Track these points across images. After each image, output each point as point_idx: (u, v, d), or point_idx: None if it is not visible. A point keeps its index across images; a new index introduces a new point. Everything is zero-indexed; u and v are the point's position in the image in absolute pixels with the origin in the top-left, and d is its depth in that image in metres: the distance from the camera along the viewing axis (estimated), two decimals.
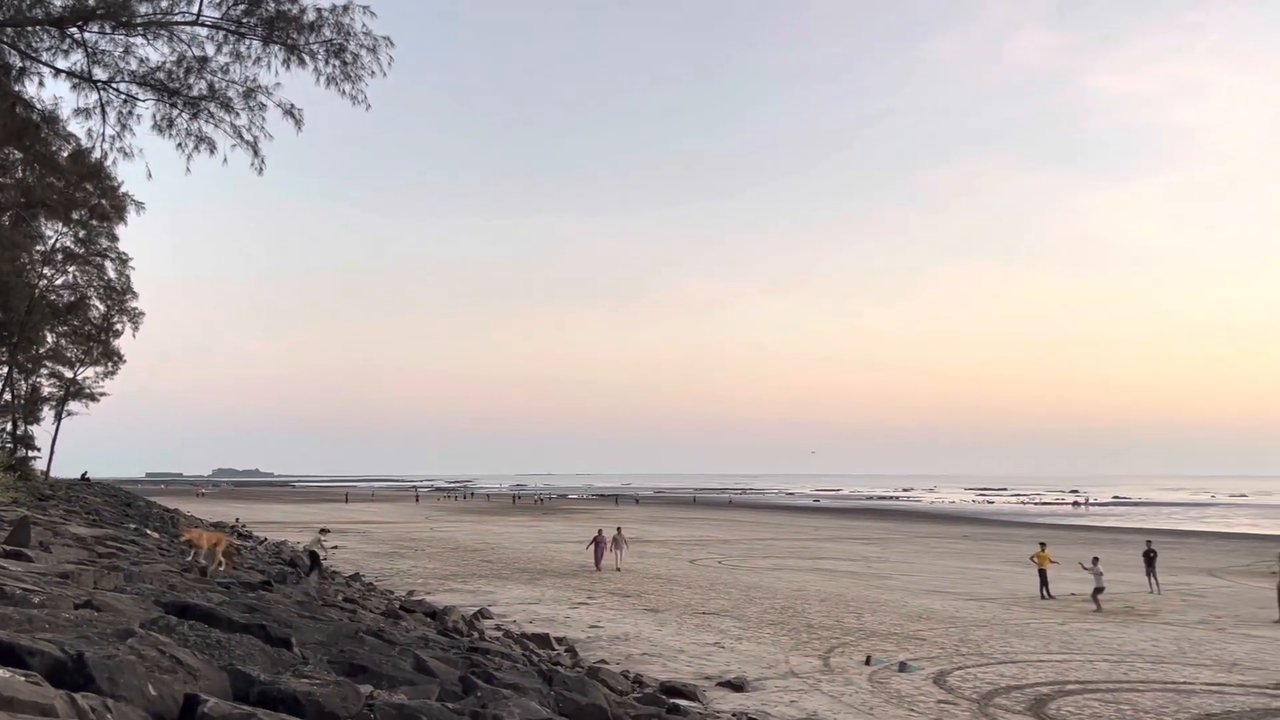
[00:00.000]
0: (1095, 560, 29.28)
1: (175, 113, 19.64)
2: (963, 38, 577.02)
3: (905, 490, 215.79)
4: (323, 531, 31.09)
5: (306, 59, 18.85)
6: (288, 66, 19.02)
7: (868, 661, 18.32)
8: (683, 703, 14.04)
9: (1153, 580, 32.08)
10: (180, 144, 19.73)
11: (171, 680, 7.10)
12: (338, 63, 18.84)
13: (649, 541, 50.28)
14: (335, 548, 42.15)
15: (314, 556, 28.00)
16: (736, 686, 15.98)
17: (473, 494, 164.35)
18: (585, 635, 21.19)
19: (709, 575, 34.85)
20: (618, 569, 35.30)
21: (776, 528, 71.47)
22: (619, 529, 38.89)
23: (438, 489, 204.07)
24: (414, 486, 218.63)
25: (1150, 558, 32.98)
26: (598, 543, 36.74)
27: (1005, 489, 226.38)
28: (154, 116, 19.79)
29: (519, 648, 17.61)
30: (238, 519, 64.44)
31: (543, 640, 19.37)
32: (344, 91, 19.04)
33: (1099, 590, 27.83)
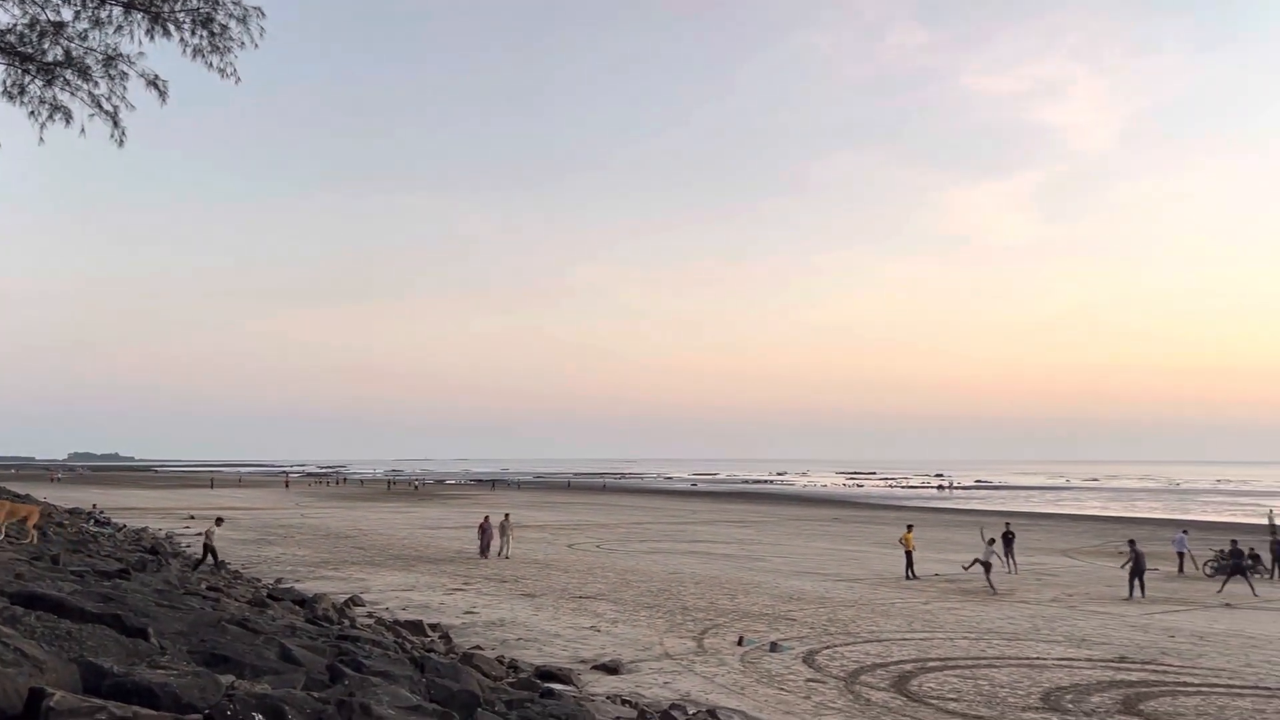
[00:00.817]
0: (991, 541, 30.36)
1: (27, 79, 18.53)
2: (837, 32, 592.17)
3: (779, 474, 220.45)
4: (218, 521, 29.96)
5: (172, 28, 18.00)
6: (151, 37, 18.14)
7: (740, 642, 18.64)
8: (557, 686, 14.04)
9: (1010, 561, 33.50)
10: (33, 112, 18.63)
11: (15, 674, 6.72)
12: (205, 33, 18.04)
13: (527, 526, 50.08)
14: (199, 534, 40.68)
15: (210, 550, 27.40)
16: (611, 669, 16.06)
17: (345, 479, 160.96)
18: (460, 621, 20.99)
19: (587, 559, 34.93)
20: (505, 556, 34.60)
21: (654, 511, 72.08)
22: (506, 515, 37.88)
23: (309, 474, 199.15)
24: (284, 472, 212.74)
25: (1009, 539, 34.44)
26: (484, 529, 35.86)
27: (875, 473, 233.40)
28: (3, 82, 18.64)
29: (391, 635, 17.32)
30: (95, 505, 61.61)
31: (416, 627, 19.09)
32: (211, 64, 18.25)
33: (988, 568, 28.87)
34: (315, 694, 8.45)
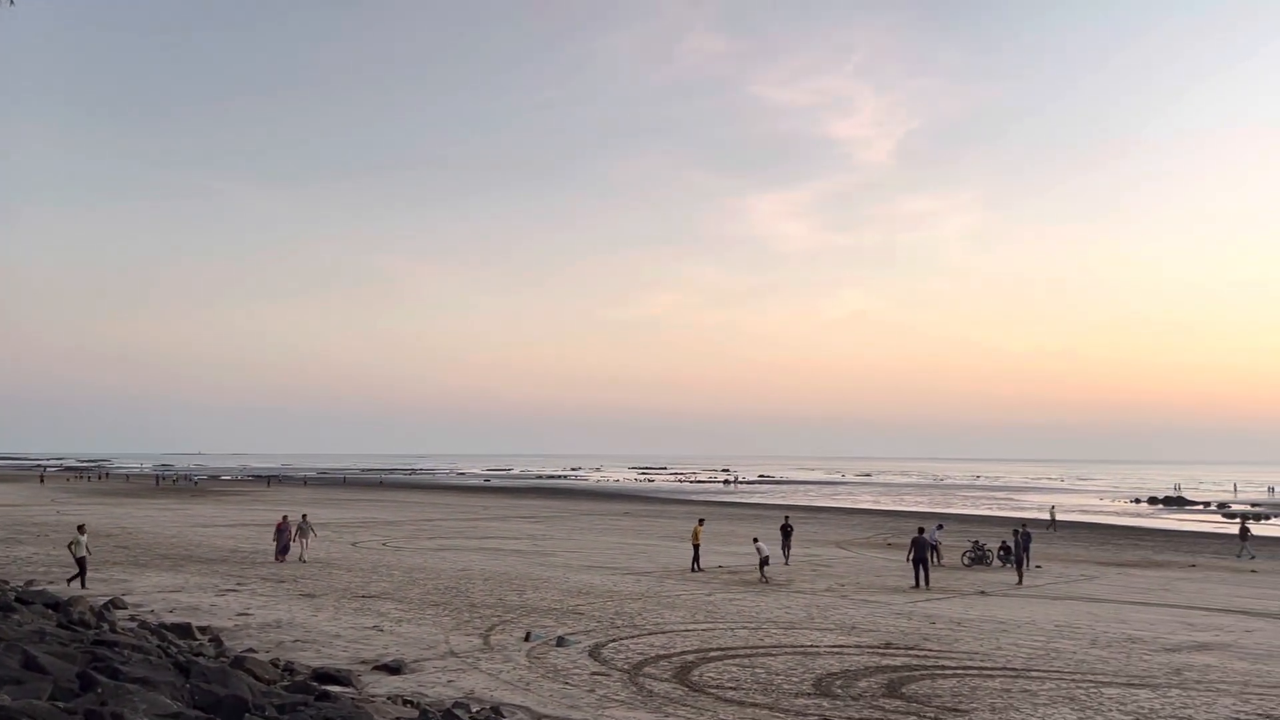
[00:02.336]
0: (755, 540, 31.40)
1: None
2: (637, 35, 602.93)
3: (574, 469, 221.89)
4: (80, 529, 26.57)
5: None
6: None
7: (527, 638, 18.58)
8: (335, 688, 13.57)
9: (786, 552, 34.94)
10: None
11: None
12: None
13: (292, 523, 48.19)
14: None
15: (80, 562, 25.01)
16: (394, 669, 15.66)
17: (109, 474, 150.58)
18: (233, 624, 19.96)
19: (371, 558, 34.00)
20: (302, 559, 32.02)
21: (445, 508, 71.04)
22: (304, 515, 35.21)
23: (68, 469, 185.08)
24: (39, 465, 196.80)
25: (787, 532, 35.94)
26: (281, 530, 32.77)
27: (666, 468, 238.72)
28: None
29: (155, 639, 16.29)
30: None
31: (184, 630, 18.02)
32: None
33: (764, 562, 29.87)
34: (61, 704, 7.81)
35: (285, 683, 13.61)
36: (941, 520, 46.37)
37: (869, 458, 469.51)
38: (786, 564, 33.87)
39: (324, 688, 13.29)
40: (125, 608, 21.46)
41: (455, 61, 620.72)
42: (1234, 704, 14.31)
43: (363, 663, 16.16)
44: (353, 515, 59.67)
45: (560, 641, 18.21)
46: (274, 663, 15.27)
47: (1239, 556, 42.47)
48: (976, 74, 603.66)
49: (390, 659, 16.32)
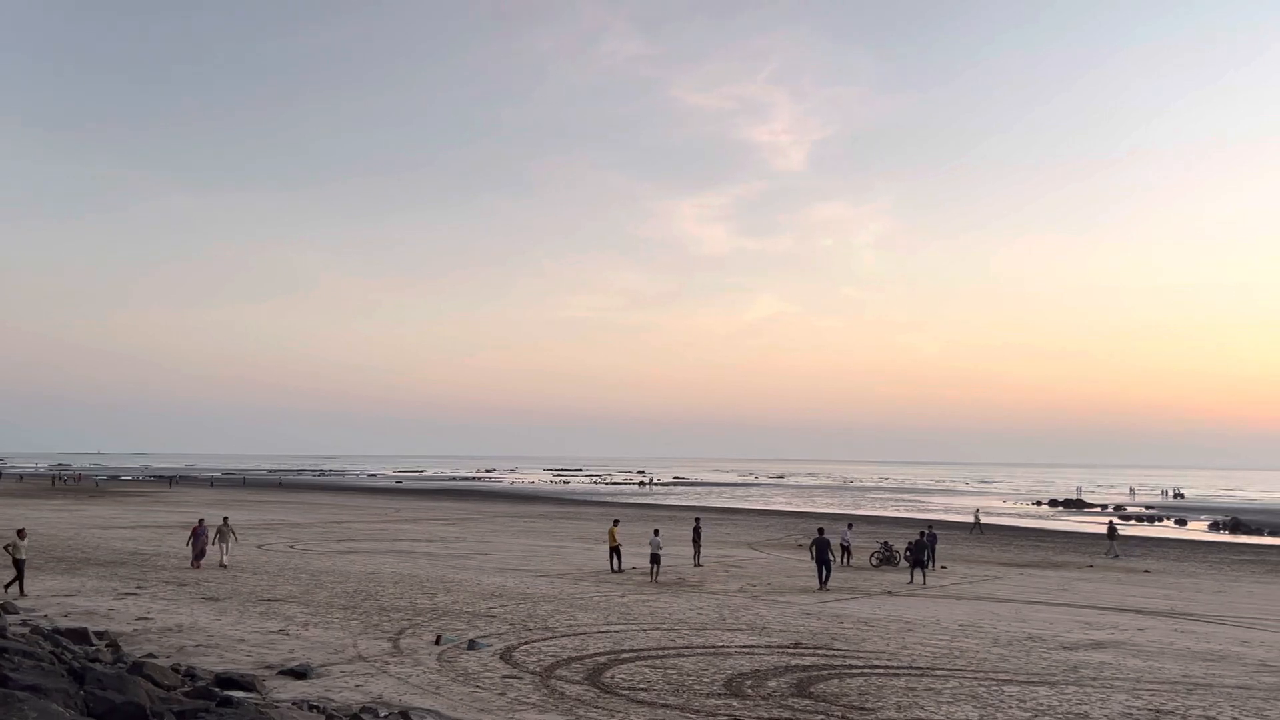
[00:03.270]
0: (656, 532, 31.50)
1: None
2: (556, 36, 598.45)
3: (488, 471, 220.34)
4: (20, 533, 25.09)
5: None
6: None
7: (438, 641, 18.38)
8: (238, 694, 13.24)
9: (697, 554, 35.16)
10: None
11: None
12: None
13: (211, 526, 47.02)
14: None
15: (18, 565, 23.79)
16: (299, 674, 15.35)
17: (1, 474, 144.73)
18: (132, 628, 19.36)
19: (278, 560, 33.28)
20: (223, 565, 30.44)
21: (355, 510, 69.92)
22: (225, 518, 33.36)
23: None
24: None
25: (697, 533, 36.23)
26: (197, 534, 31.04)
27: (581, 470, 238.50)
28: None
29: (49, 645, 15.68)
30: None
31: (79, 635, 17.40)
32: None
33: (656, 560, 29.94)
34: None
35: (186, 689, 13.23)
36: (851, 521, 47.15)
37: (782, 459, 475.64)
38: (698, 565, 34.11)
39: (226, 693, 12.96)
40: (16, 612, 20.63)
41: (373, 59, 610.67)
42: (1127, 700, 14.82)
43: (268, 667, 15.81)
44: (259, 517, 58.34)
45: (472, 644, 18.05)
46: (174, 668, 14.84)
47: (1107, 555, 44.79)
48: (889, 84, 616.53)
49: (296, 663, 16.00)
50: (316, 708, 13.04)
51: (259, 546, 38.45)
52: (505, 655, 17.27)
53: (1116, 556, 44.15)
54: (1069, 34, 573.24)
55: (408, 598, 24.48)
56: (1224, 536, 67.37)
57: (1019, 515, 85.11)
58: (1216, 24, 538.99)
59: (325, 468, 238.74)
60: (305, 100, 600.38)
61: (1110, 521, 54.59)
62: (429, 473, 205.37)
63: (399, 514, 65.37)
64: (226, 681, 14.21)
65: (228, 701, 11.92)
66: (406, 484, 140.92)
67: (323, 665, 16.10)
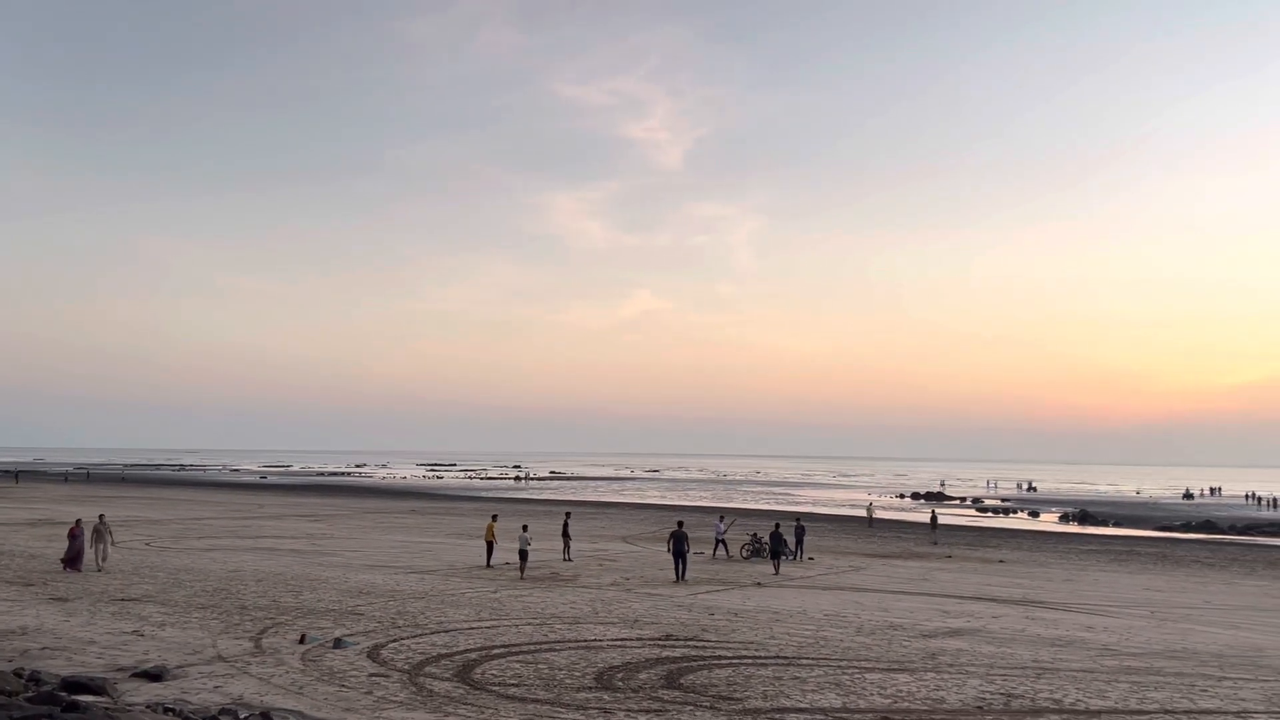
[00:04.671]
0: (524, 528, 31.37)
1: None
2: (433, 24, 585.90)
3: (358, 466, 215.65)
4: None
5: None
6: None
7: (302, 640, 17.90)
8: (87, 698, 12.62)
9: (566, 549, 35.02)
10: None
11: None
12: None
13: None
14: None
15: None
16: (154, 676, 14.73)
17: None
18: None
19: (133, 559, 31.88)
20: (100, 568, 28.24)
21: (217, 506, 67.58)
22: (101, 516, 30.98)
23: None
24: None
25: (566, 528, 36.18)
26: (74, 535, 28.72)
27: (455, 465, 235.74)
28: None
29: None
30: None
31: None
32: None
33: (523, 555, 29.77)
34: None
35: (29, 694, 12.55)
36: (724, 513, 47.88)
37: (658, 454, 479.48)
38: (567, 560, 34.10)
39: (74, 698, 12.34)
40: None
41: (249, 39, 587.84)
42: (981, 685, 15.45)
43: (120, 670, 15.13)
44: (115, 514, 55.74)
45: (337, 643, 17.64)
46: (17, 673, 14.06)
47: (935, 544, 48.02)
48: (764, 84, 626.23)
49: (151, 665, 15.36)
50: (172, 710, 12.55)
51: (113, 544, 36.71)
52: (372, 653, 16.94)
53: (936, 544, 47.55)
54: (938, 35, 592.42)
55: (271, 596, 23.78)
56: (1073, 528, 70.94)
57: (883, 508, 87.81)
58: (1077, 26, 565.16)
59: (185, 463, 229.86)
60: (161, 84, 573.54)
61: (932, 511, 58.52)
62: (295, 468, 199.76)
63: (263, 510, 63.44)
64: (75, 685, 13.54)
65: (74, 706, 11.36)
66: (271, 479, 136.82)
67: (179, 666, 15.50)
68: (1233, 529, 68.75)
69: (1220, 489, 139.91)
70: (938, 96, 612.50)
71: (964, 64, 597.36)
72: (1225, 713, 13.98)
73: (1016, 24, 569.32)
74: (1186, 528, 70.36)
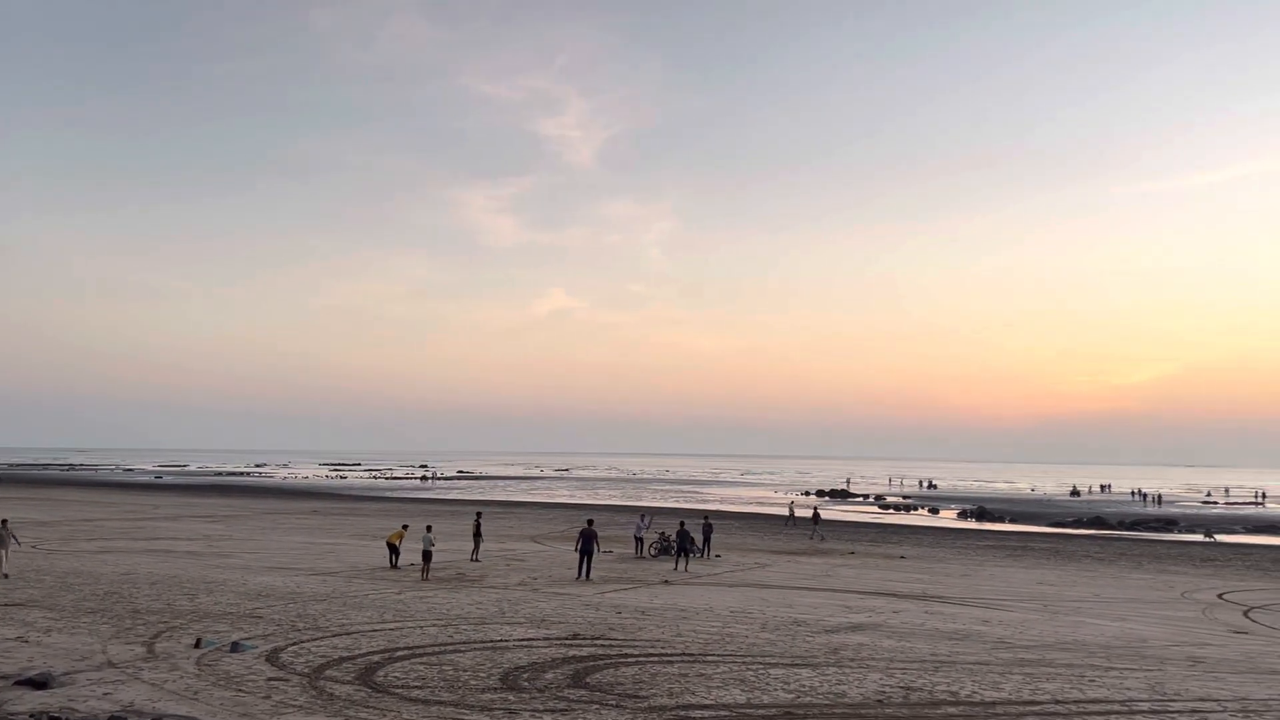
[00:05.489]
0: (429, 528, 30.98)
1: None
2: (339, 13, 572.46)
3: (258, 466, 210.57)
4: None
5: None
6: None
7: (198, 644, 17.39)
8: None
9: (475, 548, 34.67)
10: None
11: None
12: None
13: None
14: None
15: None
16: (40, 683, 14.14)
17: None
18: None
19: (18, 562, 30.45)
20: (4, 575, 26.35)
21: (109, 507, 65.29)
22: (4, 521, 28.54)
23: None
24: None
25: (478, 527, 35.88)
26: None
27: (360, 464, 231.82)
28: None
29: None
30: None
31: None
32: None
33: (427, 556, 29.35)
34: None
35: None
36: (644, 512, 48.09)
37: (568, 453, 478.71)
38: (476, 560, 33.80)
39: None
40: None
41: (142, 24, 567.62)
42: (881, 678, 15.77)
43: (3, 678, 14.50)
44: None
45: (235, 647, 17.18)
46: None
47: (811, 538, 49.64)
48: (677, 85, 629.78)
49: (36, 672, 14.74)
50: (58, 719, 12.08)
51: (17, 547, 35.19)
52: (271, 657, 16.54)
53: (823, 539, 49.21)
54: (848, 37, 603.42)
55: (165, 599, 23.05)
56: (971, 524, 72.98)
57: (789, 505, 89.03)
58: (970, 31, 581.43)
59: (74, 462, 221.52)
60: (44, 74, 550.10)
61: (814, 509, 60.19)
62: (193, 468, 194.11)
63: (158, 511, 61.50)
64: None
65: None
66: (168, 479, 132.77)
67: (66, 673, 14.91)
68: (1121, 525, 71.51)
69: (1110, 486, 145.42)
70: (848, 98, 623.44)
71: (869, 65, 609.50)
72: (1111, 701, 14.52)
73: (910, 27, 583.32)
74: (1078, 524, 72.97)
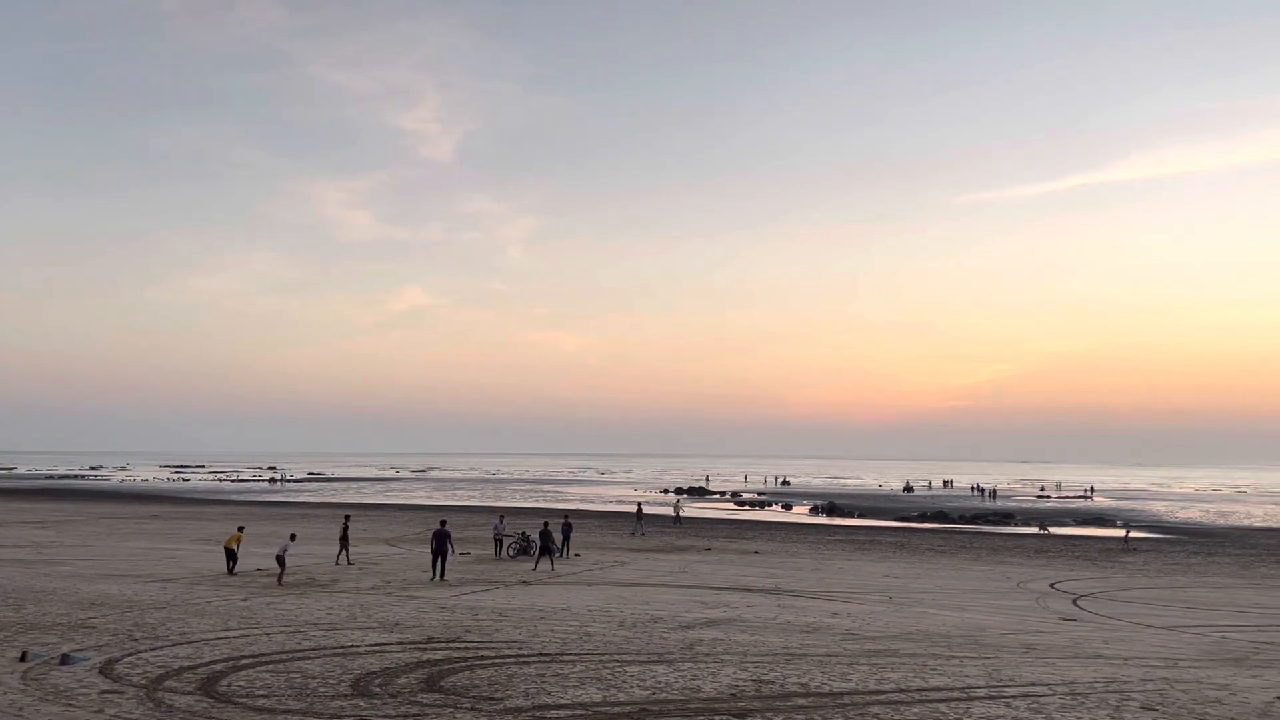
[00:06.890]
0: (292, 537, 30.03)
1: None
2: None
3: (94, 469, 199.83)
4: None
5: None
6: None
7: (23, 658, 16.36)
8: None
9: (344, 553, 33.67)
10: None
11: None
12: None
13: None
14: None
15: None
16: None
17: None
18: None
19: None
20: None
21: None
22: None
23: None
24: None
25: (346, 530, 34.83)
26: None
27: (204, 466, 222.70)
28: None
29: None
30: None
31: None
32: None
33: (281, 561, 28.39)
34: None
35: None
36: (503, 513, 47.62)
37: (426, 454, 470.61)
38: (344, 564, 32.91)
39: None
40: None
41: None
42: (735, 672, 16.05)
43: None
44: None
45: (65, 659, 16.23)
46: None
47: (634, 534, 51.00)
48: (540, 84, 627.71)
49: None
50: None
51: None
52: (105, 669, 15.70)
53: (644, 534, 50.78)
54: (714, 44, 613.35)
55: None
56: (822, 519, 75.16)
57: (648, 503, 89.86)
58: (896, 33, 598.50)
59: None
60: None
61: (638, 504, 61.68)
62: (21, 470, 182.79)
63: None
64: None
65: None
66: None
67: None
68: (962, 519, 74.82)
69: (952, 481, 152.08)
70: (712, 105, 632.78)
71: (747, 63, 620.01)
72: (951, 689, 15.15)
73: (782, 35, 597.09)
74: (922, 518, 75.99)
